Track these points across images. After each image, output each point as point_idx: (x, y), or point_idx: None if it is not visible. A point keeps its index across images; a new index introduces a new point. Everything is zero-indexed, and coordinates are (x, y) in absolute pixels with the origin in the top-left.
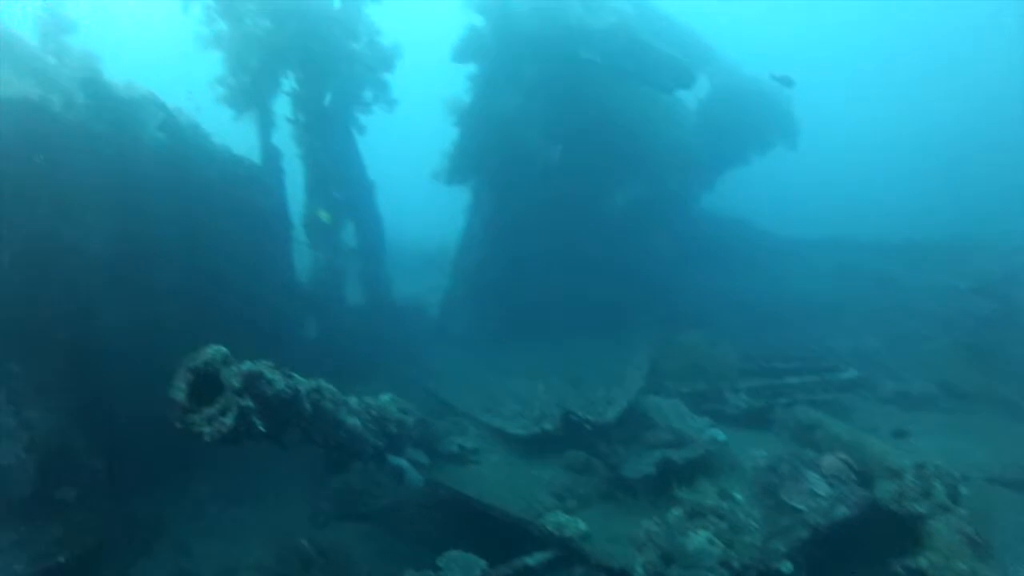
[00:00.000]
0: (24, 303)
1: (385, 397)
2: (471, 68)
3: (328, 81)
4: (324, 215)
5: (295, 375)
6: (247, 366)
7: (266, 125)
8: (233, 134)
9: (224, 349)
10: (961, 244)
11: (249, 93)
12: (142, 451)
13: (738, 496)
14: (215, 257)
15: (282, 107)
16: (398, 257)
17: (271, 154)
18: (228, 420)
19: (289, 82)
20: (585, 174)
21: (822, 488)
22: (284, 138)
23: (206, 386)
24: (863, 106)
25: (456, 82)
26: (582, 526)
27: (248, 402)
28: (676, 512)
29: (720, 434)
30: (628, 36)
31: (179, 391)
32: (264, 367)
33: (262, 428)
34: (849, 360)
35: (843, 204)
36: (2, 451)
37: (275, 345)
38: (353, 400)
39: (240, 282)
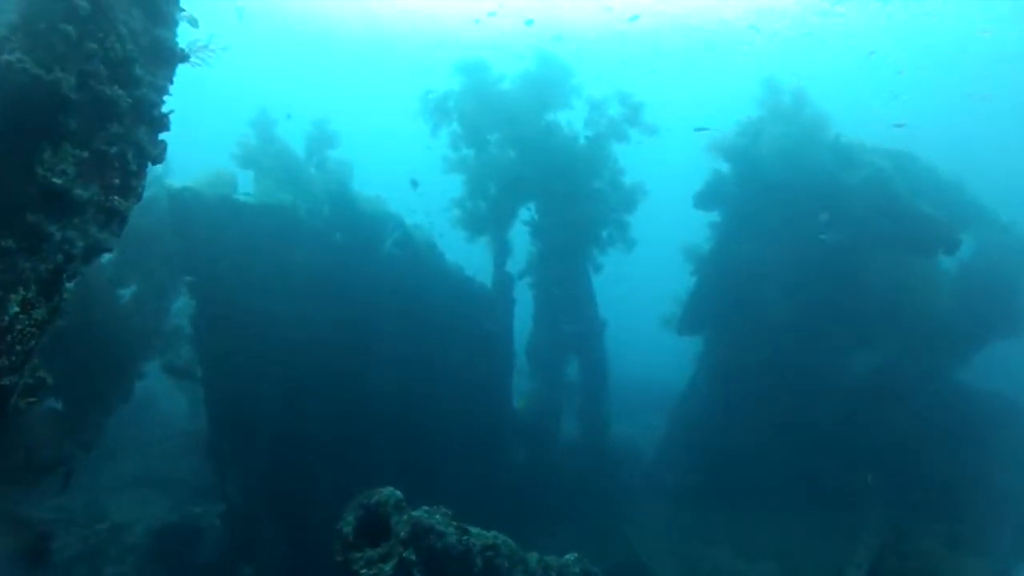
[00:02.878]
0: (241, 387)
1: (570, 557)
2: (713, 215)
3: (567, 216)
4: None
5: (472, 529)
6: (419, 515)
7: (501, 251)
8: (472, 257)
9: (399, 494)
10: None
11: (485, 219)
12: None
13: None
14: (433, 370)
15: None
16: (618, 391)
17: (503, 280)
18: (387, 568)
19: (529, 212)
20: (823, 336)
21: None
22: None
23: (376, 526)
24: None
25: (697, 229)
26: None
27: (411, 554)
28: None
29: None
30: (883, 192)
31: (347, 524)
32: (438, 519)
33: None
34: None
35: None
36: (202, 513)
37: (481, 469)
38: (533, 558)
39: (454, 399)
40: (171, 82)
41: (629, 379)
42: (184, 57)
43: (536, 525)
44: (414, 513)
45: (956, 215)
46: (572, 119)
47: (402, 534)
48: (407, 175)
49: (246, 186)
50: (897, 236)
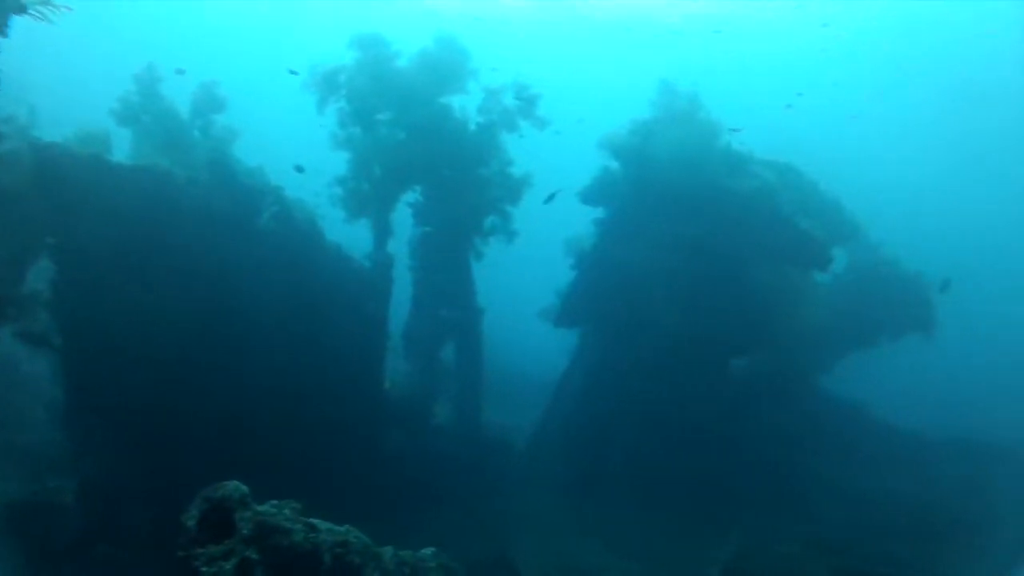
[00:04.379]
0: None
1: (427, 552)
2: (598, 211)
3: (452, 202)
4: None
5: (323, 525)
6: (266, 511)
7: (382, 233)
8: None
9: (244, 488)
10: None
11: (368, 200)
12: None
13: None
14: (305, 349)
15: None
16: (498, 381)
17: (383, 261)
18: (228, 567)
19: (414, 195)
20: (702, 338)
21: None
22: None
23: (223, 520)
24: None
25: (581, 223)
26: None
27: (254, 553)
28: None
29: None
30: (768, 206)
31: (191, 518)
32: (287, 514)
33: None
34: None
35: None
36: (59, 488)
37: (351, 450)
38: (387, 554)
39: (325, 379)
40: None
41: (510, 369)
42: (22, 8)
43: (407, 513)
44: (261, 508)
45: (833, 231)
46: (466, 104)
47: (245, 531)
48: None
49: (123, 146)
50: (777, 248)
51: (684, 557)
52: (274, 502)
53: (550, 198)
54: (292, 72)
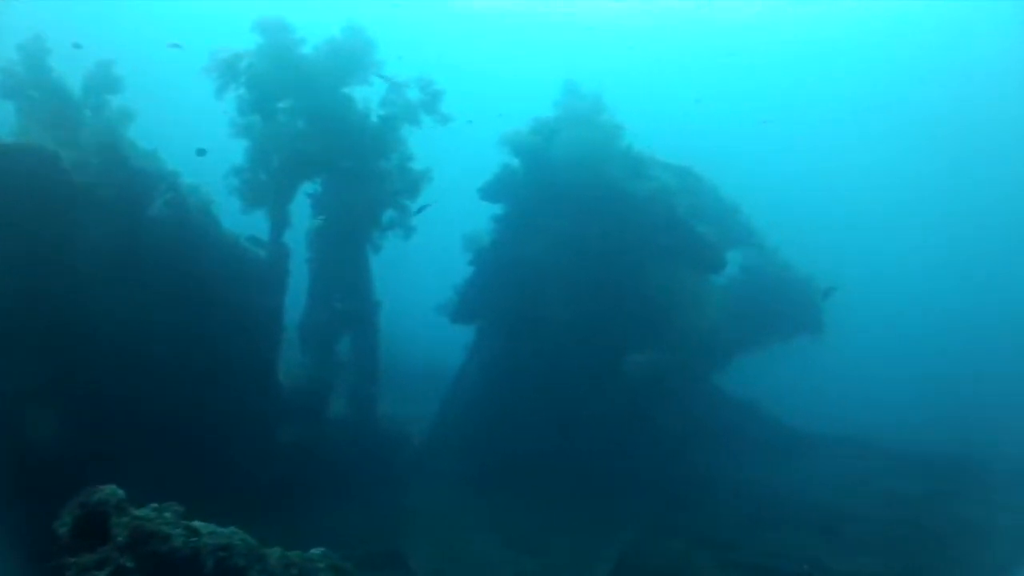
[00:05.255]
0: None
1: (316, 552)
2: (497, 208)
3: (351, 194)
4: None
5: (206, 527)
6: (144, 515)
7: (278, 224)
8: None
9: (120, 493)
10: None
11: (265, 189)
12: None
13: None
14: (195, 341)
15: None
16: (396, 375)
17: (279, 253)
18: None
19: (313, 185)
20: (596, 336)
21: None
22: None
23: (98, 527)
24: None
25: (479, 219)
26: None
27: (129, 561)
28: None
29: None
30: (665, 209)
31: (64, 525)
32: (167, 517)
33: None
34: None
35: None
36: None
37: (242, 445)
38: (274, 555)
39: (217, 372)
40: None
41: (407, 363)
42: None
43: (300, 509)
44: (139, 513)
45: (730, 235)
46: (369, 96)
47: (120, 539)
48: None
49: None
50: (672, 250)
51: (578, 552)
52: (154, 505)
53: (420, 210)
54: (173, 46)
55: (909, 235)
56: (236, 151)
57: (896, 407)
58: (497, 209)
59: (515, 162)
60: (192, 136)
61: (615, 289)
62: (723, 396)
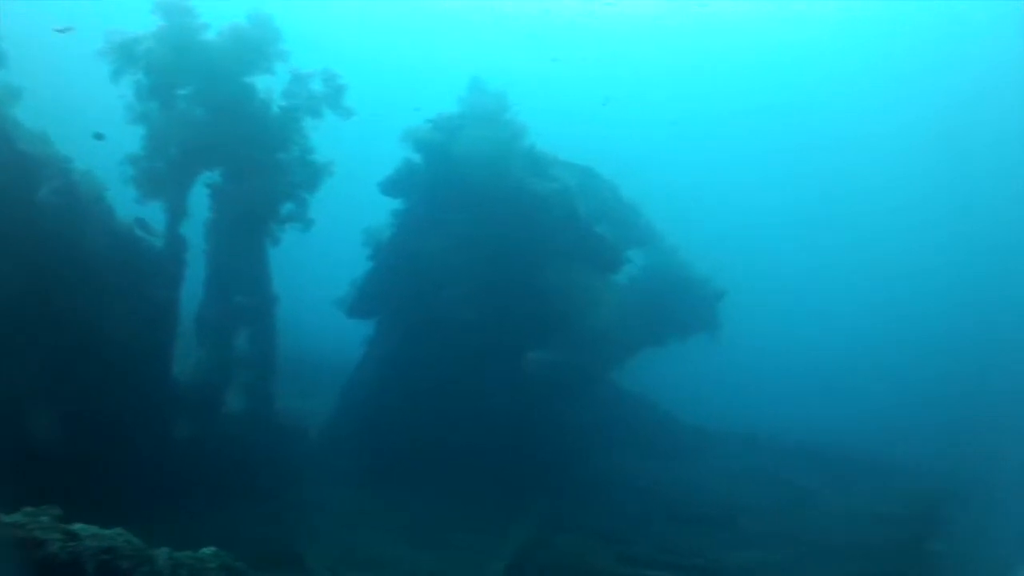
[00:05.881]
0: None
1: (207, 551)
2: (397, 203)
3: (250, 185)
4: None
5: (88, 529)
6: (17, 521)
7: (175, 214)
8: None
9: None
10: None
11: (161, 179)
12: None
13: None
14: (85, 334)
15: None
16: (295, 370)
17: (176, 244)
18: None
19: (213, 176)
20: (496, 333)
21: None
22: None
23: None
24: None
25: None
26: None
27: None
28: None
29: None
30: (565, 209)
31: None
32: (43, 521)
33: None
34: None
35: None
36: None
37: (133, 441)
38: (162, 556)
39: (108, 366)
40: None
41: (305, 357)
42: None
43: (194, 507)
44: (9, 519)
45: (630, 235)
46: (271, 86)
47: None
48: None
49: None
50: (571, 249)
51: (474, 548)
52: (29, 509)
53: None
54: (62, 30)
55: (803, 236)
56: (133, 138)
57: (787, 402)
58: (397, 204)
59: (417, 158)
60: (89, 121)
61: (514, 287)
62: (620, 393)
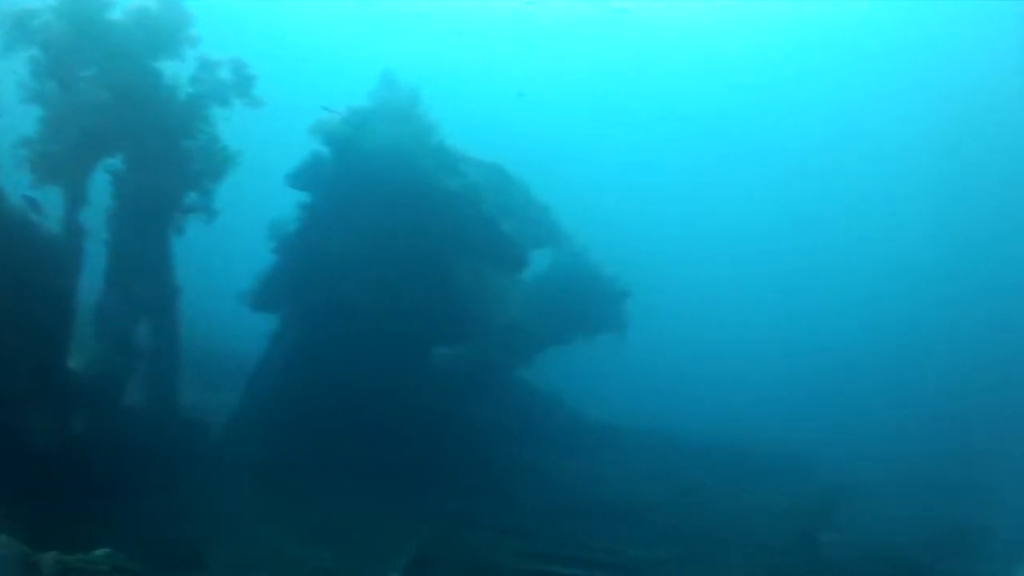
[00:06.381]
0: None
1: (100, 552)
2: (303, 195)
3: (153, 172)
4: None
5: None
6: None
7: (74, 201)
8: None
9: None
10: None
11: (59, 164)
12: None
13: None
14: None
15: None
16: (197, 366)
17: (74, 232)
18: None
19: (115, 162)
20: (401, 329)
21: None
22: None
23: None
24: None
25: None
26: None
27: None
28: None
29: None
30: (470, 206)
31: None
32: None
33: None
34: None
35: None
36: None
37: (24, 438)
38: (48, 560)
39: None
40: None
41: (208, 349)
42: None
43: (90, 505)
44: None
45: (538, 233)
46: (179, 72)
47: None
48: None
49: None
50: (478, 247)
51: (377, 544)
52: None
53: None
54: None
55: (706, 237)
56: (28, 119)
57: (697, 401)
58: (304, 197)
59: (325, 151)
60: None
61: (419, 283)
62: (527, 389)
